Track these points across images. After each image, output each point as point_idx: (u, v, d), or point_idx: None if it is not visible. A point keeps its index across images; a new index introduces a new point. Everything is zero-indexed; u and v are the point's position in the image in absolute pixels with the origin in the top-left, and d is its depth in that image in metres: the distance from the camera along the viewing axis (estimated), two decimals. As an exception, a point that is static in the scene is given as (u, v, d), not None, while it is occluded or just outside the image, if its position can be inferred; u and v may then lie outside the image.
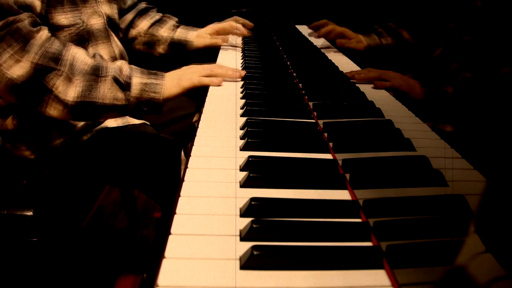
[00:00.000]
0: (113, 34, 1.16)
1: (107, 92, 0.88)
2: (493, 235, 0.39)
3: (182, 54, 1.42)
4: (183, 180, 0.56)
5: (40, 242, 0.95)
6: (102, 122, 1.08)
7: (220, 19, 1.55)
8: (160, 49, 1.42)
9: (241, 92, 0.96)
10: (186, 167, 0.60)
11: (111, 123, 1.08)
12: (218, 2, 2.31)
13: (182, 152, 1.05)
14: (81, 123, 1.05)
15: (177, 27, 1.43)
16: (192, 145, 0.67)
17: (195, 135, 0.71)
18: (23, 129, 1.02)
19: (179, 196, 0.53)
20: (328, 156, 0.67)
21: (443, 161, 0.65)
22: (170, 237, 0.45)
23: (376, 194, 0.55)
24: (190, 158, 0.63)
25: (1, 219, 0.93)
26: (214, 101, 0.90)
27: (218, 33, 1.46)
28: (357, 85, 1.04)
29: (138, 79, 0.92)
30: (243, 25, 1.50)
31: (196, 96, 1.01)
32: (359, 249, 0.44)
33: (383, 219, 0.49)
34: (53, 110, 0.88)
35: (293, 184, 0.57)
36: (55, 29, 0.98)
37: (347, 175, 0.59)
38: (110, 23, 1.15)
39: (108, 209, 1.92)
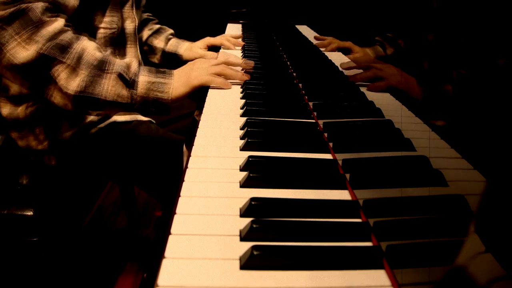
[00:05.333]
0: (138, 39, 1.20)
1: (110, 88, 0.88)
2: (493, 235, 0.39)
3: (176, 64, 1.45)
4: (183, 180, 0.56)
5: (40, 242, 0.95)
6: (111, 116, 1.08)
7: (220, 19, 1.57)
8: (155, 59, 1.48)
9: (241, 92, 0.96)
10: (186, 167, 0.60)
11: (119, 117, 1.09)
12: (218, 2, 2.31)
13: (184, 147, 1.05)
14: (92, 116, 1.05)
15: (170, 39, 1.48)
16: (192, 144, 0.67)
17: (195, 135, 0.71)
18: (35, 118, 1.02)
19: (179, 196, 0.53)
20: (328, 156, 0.67)
21: (443, 161, 0.65)
22: (170, 237, 0.45)
23: (376, 194, 0.55)
24: (190, 158, 0.63)
25: (1, 219, 0.93)
26: (214, 101, 0.90)
27: (209, 47, 1.51)
28: (357, 85, 1.04)
29: (145, 78, 0.91)
30: (235, 44, 1.54)
31: (195, 96, 1.00)
32: (359, 249, 0.44)
33: (383, 219, 0.49)
34: (57, 99, 0.88)
35: (293, 184, 0.57)
36: (89, 29, 1.00)
37: (347, 175, 0.59)
38: (138, 28, 1.19)
39: (108, 209, 1.92)
